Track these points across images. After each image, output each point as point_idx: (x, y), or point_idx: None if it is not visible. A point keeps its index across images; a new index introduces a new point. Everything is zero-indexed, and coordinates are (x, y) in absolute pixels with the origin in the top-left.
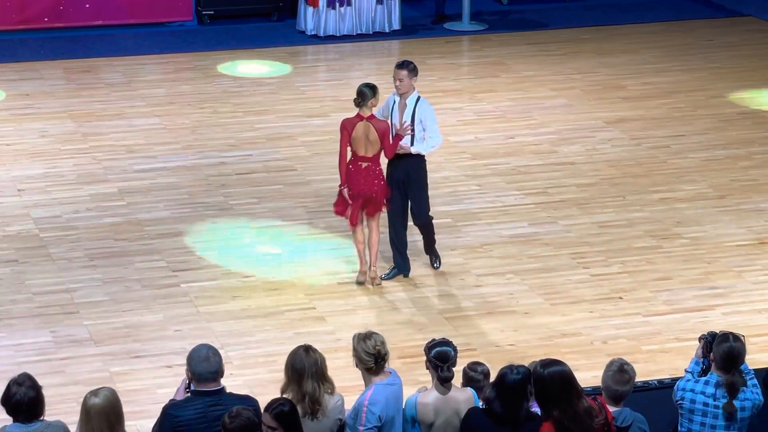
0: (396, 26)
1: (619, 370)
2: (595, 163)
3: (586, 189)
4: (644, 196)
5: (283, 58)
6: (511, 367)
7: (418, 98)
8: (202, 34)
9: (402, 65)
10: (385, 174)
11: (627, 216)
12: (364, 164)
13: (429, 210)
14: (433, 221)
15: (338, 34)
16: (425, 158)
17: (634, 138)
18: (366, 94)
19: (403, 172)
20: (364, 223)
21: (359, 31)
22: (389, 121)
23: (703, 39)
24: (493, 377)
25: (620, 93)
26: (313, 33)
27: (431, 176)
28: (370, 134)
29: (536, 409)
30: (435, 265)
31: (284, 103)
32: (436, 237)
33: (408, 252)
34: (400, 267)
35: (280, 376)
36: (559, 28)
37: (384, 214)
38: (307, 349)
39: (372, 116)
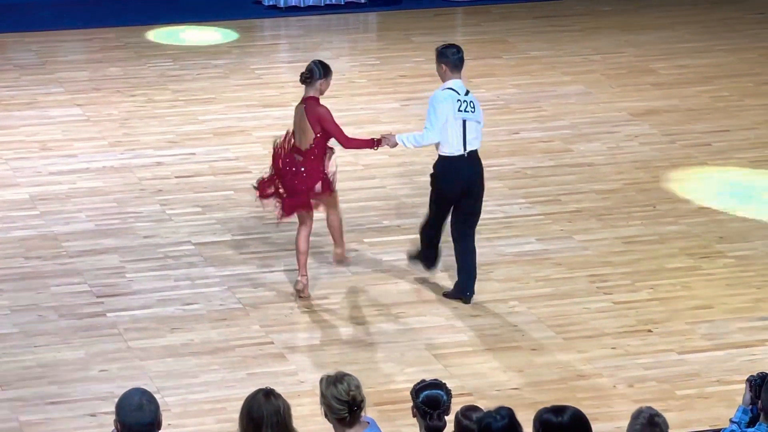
0: None
1: (649, 424)
2: (619, 164)
3: (608, 196)
4: (679, 206)
5: (235, 34)
6: (491, 414)
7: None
8: (135, 5)
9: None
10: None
11: (658, 230)
12: (299, 158)
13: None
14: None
15: (302, 5)
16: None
17: (666, 134)
18: (314, 71)
19: (473, 166)
20: (308, 230)
21: (328, 2)
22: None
23: (751, 11)
24: None
25: (650, 78)
26: (271, 4)
27: (415, 180)
28: (302, 121)
29: None
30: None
31: (235, 90)
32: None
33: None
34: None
35: (230, 427)
36: None
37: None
38: (268, 393)
39: (312, 98)
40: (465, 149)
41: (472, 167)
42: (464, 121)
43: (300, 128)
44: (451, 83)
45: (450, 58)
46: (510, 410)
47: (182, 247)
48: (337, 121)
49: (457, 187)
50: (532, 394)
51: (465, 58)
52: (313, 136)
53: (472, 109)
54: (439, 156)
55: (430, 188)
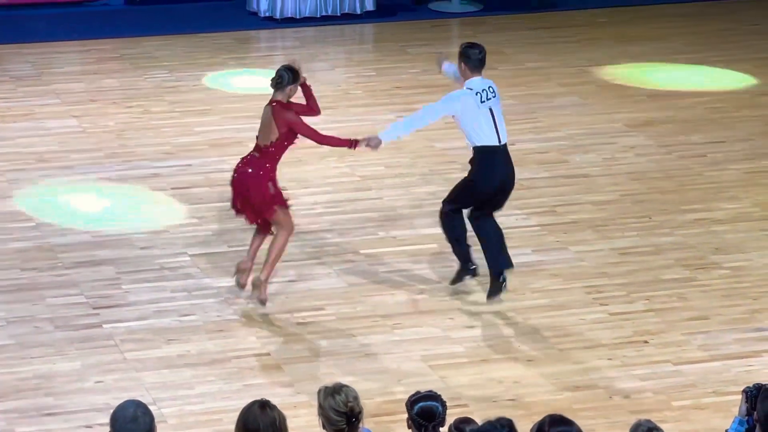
0: (370, 7)
1: None
2: (615, 175)
3: (604, 207)
4: (675, 217)
5: (231, 46)
6: (492, 424)
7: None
8: (131, 16)
9: None
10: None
11: (654, 241)
12: (256, 155)
13: None
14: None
15: (298, 17)
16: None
17: (662, 145)
18: (284, 77)
19: (510, 162)
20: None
21: (324, 13)
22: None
23: (746, 22)
24: None
25: (645, 89)
26: (267, 15)
27: (413, 192)
28: (268, 121)
29: None
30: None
31: (231, 101)
32: (421, 266)
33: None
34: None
35: None
36: (570, 9)
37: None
38: (264, 405)
39: (279, 101)
40: (499, 139)
41: (510, 163)
42: (491, 109)
43: (265, 127)
44: (469, 83)
45: (471, 58)
46: (510, 422)
47: (178, 259)
48: (330, 131)
49: (496, 182)
50: (527, 406)
51: None
52: (276, 136)
53: (493, 94)
54: (475, 148)
55: (466, 177)
